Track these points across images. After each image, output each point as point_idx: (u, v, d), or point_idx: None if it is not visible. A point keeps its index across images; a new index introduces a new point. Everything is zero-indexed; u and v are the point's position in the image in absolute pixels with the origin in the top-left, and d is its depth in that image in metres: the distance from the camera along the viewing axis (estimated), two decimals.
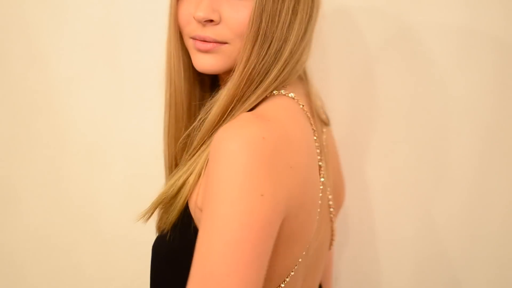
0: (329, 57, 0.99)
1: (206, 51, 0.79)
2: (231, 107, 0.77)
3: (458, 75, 1.06)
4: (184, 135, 0.83)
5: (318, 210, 0.81)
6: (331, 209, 0.90)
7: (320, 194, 0.82)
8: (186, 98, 0.87)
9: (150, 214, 0.81)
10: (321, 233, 0.86)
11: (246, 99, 0.77)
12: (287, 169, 0.68)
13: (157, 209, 0.81)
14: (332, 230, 0.92)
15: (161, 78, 0.99)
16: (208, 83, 0.90)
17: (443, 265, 1.13)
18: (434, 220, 1.12)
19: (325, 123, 0.90)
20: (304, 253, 0.77)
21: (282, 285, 0.75)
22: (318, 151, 0.83)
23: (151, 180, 0.95)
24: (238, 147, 0.65)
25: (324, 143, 0.87)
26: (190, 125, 0.82)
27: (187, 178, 0.76)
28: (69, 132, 1.28)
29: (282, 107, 0.77)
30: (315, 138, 0.82)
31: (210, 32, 0.77)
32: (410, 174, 1.13)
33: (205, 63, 0.79)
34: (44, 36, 1.25)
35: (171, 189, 0.77)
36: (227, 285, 0.60)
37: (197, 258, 0.63)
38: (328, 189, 0.87)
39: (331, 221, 0.91)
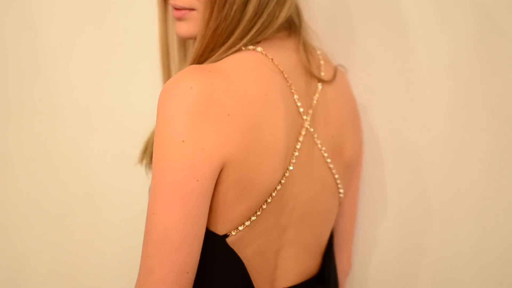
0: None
1: (179, 18, 0.87)
2: None
3: (438, 32, 1.07)
4: None
5: (293, 160, 0.85)
6: (331, 166, 0.92)
7: (298, 146, 0.86)
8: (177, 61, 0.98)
9: (143, 154, 0.95)
10: (310, 186, 0.89)
11: (208, 59, 0.84)
12: (224, 116, 0.75)
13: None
14: (336, 185, 0.94)
15: (150, 41, 1.03)
16: None
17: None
18: (416, 175, 1.13)
19: (320, 79, 0.92)
20: (269, 200, 0.82)
21: (240, 228, 0.81)
22: (298, 104, 0.87)
23: (142, 142, 0.98)
24: (166, 98, 0.74)
25: (316, 99, 0.90)
26: None
27: None
28: (60, 96, 1.31)
29: (237, 60, 0.82)
30: (292, 90, 0.86)
31: (178, 0, 0.85)
32: (390, 127, 1.13)
33: (181, 29, 0.88)
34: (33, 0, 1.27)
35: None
36: (153, 223, 0.73)
37: None
38: (319, 141, 0.90)
39: (333, 175, 0.93)
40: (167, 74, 0.97)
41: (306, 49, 0.92)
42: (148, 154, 0.94)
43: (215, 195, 0.77)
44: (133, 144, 0.99)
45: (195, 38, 0.87)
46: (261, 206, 0.81)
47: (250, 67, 0.82)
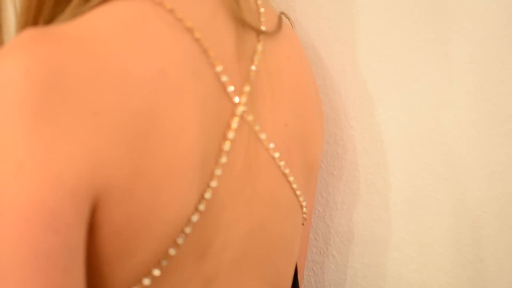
0: None
1: None
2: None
3: None
4: None
5: (217, 172, 0.52)
6: (286, 171, 0.60)
7: (226, 147, 0.53)
8: None
9: None
10: (252, 207, 0.57)
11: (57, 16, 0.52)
12: (88, 117, 0.43)
13: None
14: (297, 199, 0.63)
15: None
16: None
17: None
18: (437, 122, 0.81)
19: (259, 30, 0.60)
20: (179, 240, 0.50)
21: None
22: (224, 78, 0.54)
23: None
24: None
25: (256, 66, 0.58)
26: None
27: None
28: None
29: (110, 15, 0.48)
30: (211, 59, 0.53)
31: None
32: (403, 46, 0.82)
33: None
34: None
35: None
36: None
37: None
38: (264, 135, 0.58)
39: (291, 185, 0.62)
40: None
41: None
42: None
43: (87, 250, 0.45)
44: None
45: None
46: (167, 253, 0.49)
47: (134, 27, 0.48)
